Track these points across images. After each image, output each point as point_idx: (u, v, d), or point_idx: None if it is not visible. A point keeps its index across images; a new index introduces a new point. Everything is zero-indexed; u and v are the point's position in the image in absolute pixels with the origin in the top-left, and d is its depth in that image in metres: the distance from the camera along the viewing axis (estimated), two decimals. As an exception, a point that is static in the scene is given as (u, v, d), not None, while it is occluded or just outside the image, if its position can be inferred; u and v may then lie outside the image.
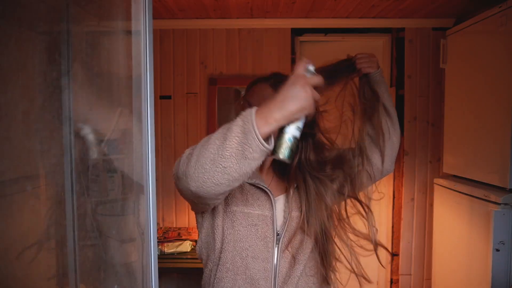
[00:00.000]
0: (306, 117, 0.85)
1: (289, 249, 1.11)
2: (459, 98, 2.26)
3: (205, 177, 0.83)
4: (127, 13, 0.77)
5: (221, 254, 1.10)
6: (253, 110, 0.81)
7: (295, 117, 0.82)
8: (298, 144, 0.86)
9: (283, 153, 0.85)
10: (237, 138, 0.79)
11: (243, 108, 1.12)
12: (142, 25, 0.75)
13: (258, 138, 0.78)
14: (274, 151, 0.85)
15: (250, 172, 0.83)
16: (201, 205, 1.06)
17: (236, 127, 0.80)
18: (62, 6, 0.89)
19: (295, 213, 1.12)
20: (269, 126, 0.80)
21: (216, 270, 1.11)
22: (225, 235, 1.10)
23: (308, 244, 1.13)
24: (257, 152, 0.79)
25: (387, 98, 1.22)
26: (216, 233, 1.12)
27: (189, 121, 2.74)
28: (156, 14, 2.53)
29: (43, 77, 0.85)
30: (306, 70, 0.86)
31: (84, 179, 0.93)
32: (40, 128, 0.86)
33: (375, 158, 1.18)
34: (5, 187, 0.76)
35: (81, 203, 0.94)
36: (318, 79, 0.85)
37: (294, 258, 1.11)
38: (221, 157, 0.81)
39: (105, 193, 1.07)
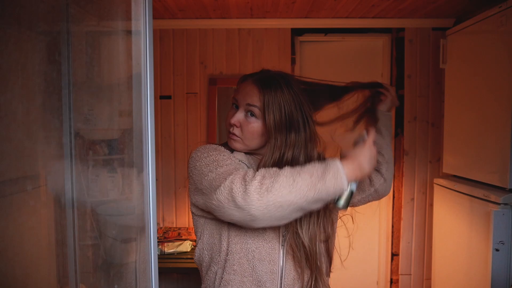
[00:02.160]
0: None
1: (294, 251, 1.08)
2: (459, 98, 2.26)
3: (278, 213, 0.90)
4: (127, 13, 0.77)
5: (227, 256, 1.08)
6: (341, 169, 0.92)
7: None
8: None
9: (343, 204, 0.97)
10: (327, 191, 0.90)
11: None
12: (142, 25, 0.75)
13: (343, 192, 0.93)
14: (337, 200, 0.97)
15: None
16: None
17: (330, 184, 0.90)
18: (62, 6, 0.89)
19: None
20: (353, 181, 0.95)
21: (222, 273, 1.08)
22: (231, 236, 1.08)
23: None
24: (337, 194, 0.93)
25: (390, 139, 1.26)
26: (222, 234, 1.09)
27: (189, 121, 2.74)
28: (156, 14, 2.53)
29: (43, 77, 0.85)
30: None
31: (84, 179, 0.93)
32: (40, 128, 0.86)
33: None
34: (5, 187, 0.76)
35: (81, 203, 0.94)
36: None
37: (300, 261, 1.08)
38: (306, 204, 0.90)
39: (105, 193, 1.07)
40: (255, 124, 1.07)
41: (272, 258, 1.08)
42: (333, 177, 0.90)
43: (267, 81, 1.07)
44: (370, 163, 0.97)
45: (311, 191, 0.88)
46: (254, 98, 1.07)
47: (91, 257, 1.05)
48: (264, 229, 1.08)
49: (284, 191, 0.88)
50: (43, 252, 0.94)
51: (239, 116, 1.08)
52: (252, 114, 1.07)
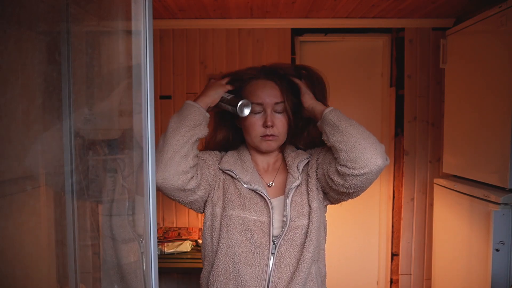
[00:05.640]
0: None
1: (287, 259, 1.07)
2: (459, 98, 2.26)
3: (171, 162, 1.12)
4: (127, 13, 0.77)
5: (215, 257, 1.10)
6: (188, 101, 1.11)
7: (216, 96, 1.13)
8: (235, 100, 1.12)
9: (238, 109, 1.10)
10: (187, 118, 1.06)
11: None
12: (142, 25, 0.75)
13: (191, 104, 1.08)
14: (237, 114, 1.11)
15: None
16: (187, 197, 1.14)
17: (186, 112, 1.08)
18: (62, 6, 0.89)
19: (298, 222, 1.08)
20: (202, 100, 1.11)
21: (210, 272, 1.11)
22: (220, 239, 1.09)
23: (309, 253, 1.07)
24: (190, 109, 1.07)
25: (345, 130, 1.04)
26: (214, 236, 1.12)
27: (189, 121, 2.73)
28: (156, 14, 2.53)
29: (43, 77, 0.85)
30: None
31: (84, 179, 0.93)
32: (40, 128, 0.86)
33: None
34: (5, 187, 0.76)
35: (81, 203, 0.94)
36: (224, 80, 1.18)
37: (294, 269, 1.06)
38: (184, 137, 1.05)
39: (105, 193, 1.07)
40: (284, 119, 1.14)
41: (259, 264, 1.07)
42: (185, 108, 1.07)
43: (276, 73, 1.17)
44: (213, 90, 1.13)
45: (176, 126, 1.04)
46: (278, 95, 1.14)
47: (91, 257, 1.05)
48: (252, 233, 1.08)
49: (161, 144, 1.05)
50: (43, 252, 0.94)
51: (271, 116, 1.12)
52: (276, 111, 1.13)
